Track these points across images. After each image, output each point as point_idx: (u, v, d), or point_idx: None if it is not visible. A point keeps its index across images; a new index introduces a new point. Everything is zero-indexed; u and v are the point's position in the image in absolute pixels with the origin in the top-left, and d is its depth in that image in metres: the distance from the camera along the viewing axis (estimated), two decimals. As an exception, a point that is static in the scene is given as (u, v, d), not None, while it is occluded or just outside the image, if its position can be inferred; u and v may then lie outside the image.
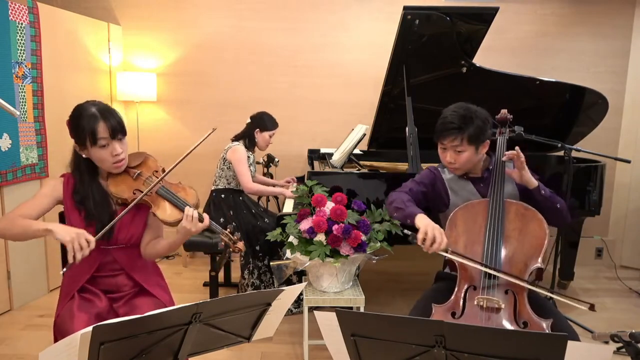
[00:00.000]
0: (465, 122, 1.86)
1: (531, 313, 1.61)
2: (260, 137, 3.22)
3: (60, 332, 1.60)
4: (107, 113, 1.65)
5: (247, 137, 3.21)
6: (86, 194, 1.69)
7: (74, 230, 1.51)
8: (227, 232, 1.72)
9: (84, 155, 1.69)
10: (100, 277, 1.75)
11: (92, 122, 1.62)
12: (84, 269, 1.72)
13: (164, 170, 1.80)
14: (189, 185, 1.84)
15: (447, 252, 1.68)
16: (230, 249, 1.72)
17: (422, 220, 1.73)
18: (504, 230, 1.76)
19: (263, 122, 3.21)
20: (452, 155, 1.91)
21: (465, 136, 1.85)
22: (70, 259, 1.49)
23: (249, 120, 3.25)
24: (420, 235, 1.67)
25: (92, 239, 1.53)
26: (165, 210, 1.71)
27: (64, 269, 1.54)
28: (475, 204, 1.86)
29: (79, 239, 1.49)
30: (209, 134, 1.73)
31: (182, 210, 1.69)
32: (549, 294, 1.64)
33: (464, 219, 1.83)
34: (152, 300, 1.75)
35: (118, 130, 1.66)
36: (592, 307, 1.53)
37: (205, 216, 1.69)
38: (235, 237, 1.72)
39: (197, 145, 1.71)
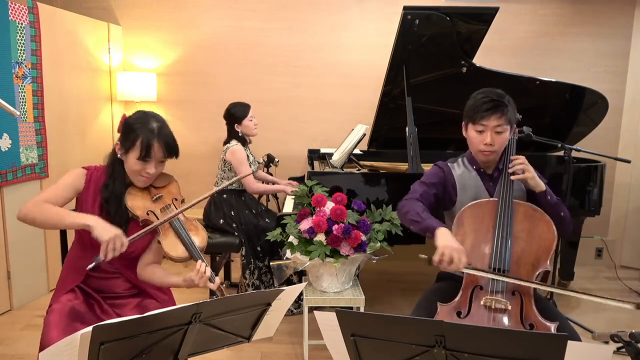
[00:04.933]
0: (506, 101, 1.82)
1: (538, 315, 1.60)
2: (243, 127, 3.15)
3: (44, 325, 1.58)
4: (163, 132, 1.67)
5: (234, 137, 3.17)
6: (114, 194, 1.69)
7: (113, 231, 1.54)
8: (222, 287, 1.68)
9: (119, 156, 1.70)
10: (94, 277, 1.74)
11: (149, 136, 1.63)
12: (79, 267, 1.71)
13: (183, 201, 1.79)
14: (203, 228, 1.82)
15: (467, 268, 1.62)
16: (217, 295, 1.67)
17: (442, 239, 1.66)
18: (513, 231, 1.75)
19: (234, 115, 3.15)
20: (492, 136, 1.81)
21: (507, 115, 1.80)
22: (102, 257, 1.53)
23: (225, 122, 3.22)
24: (436, 257, 1.62)
25: (126, 242, 1.56)
26: (170, 244, 1.68)
27: (92, 265, 1.56)
28: (484, 204, 1.84)
29: (115, 241, 1.52)
30: (232, 181, 1.85)
31: (189, 252, 1.68)
32: (579, 295, 1.58)
33: (472, 218, 1.81)
34: (151, 301, 1.75)
35: (166, 152, 1.68)
36: (639, 306, 1.45)
37: (217, 279, 1.66)
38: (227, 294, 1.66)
39: (215, 192, 1.77)
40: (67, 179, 1.69)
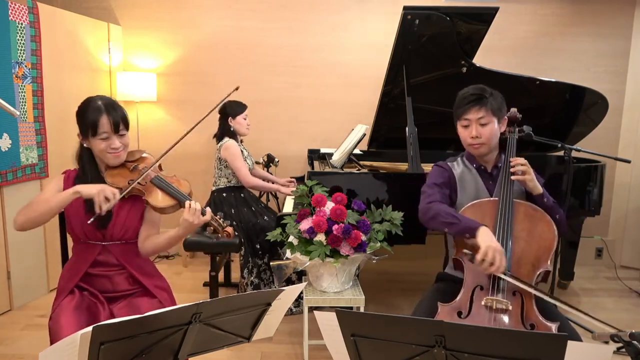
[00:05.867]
0: (486, 94, 1.88)
1: (538, 315, 1.60)
2: (235, 123, 3.21)
3: (51, 330, 1.60)
4: (110, 107, 1.72)
5: (226, 132, 3.21)
6: (87, 181, 1.74)
7: (98, 185, 1.63)
8: (216, 217, 1.76)
9: (85, 145, 1.76)
10: (95, 275, 1.75)
11: (96, 114, 1.70)
12: (79, 265, 1.74)
13: (160, 167, 1.86)
14: (184, 179, 1.89)
15: (505, 274, 1.61)
16: (219, 235, 1.75)
17: (485, 239, 1.64)
18: (513, 231, 1.75)
19: (230, 109, 3.21)
20: (477, 129, 1.87)
21: (488, 107, 1.86)
22: (97, 210, 1.60)
23: (219, 116, 3.25)
24: (479, 257, 1.61)
25: (117, 191, 1.64)
26: (157, 197, 1.76)
27: (92, 219, 1.62)
28: (484, 203, 1.84)
29: (105, 192, 1.61)
30: (205, 117, 1.83)
31: (175, 198, 1.76)
32: (553, 301, 1.62)
33: (472, 218, 1.81)
34: (151, 301, 1.75)
35: (120, 124, 1.73)
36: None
37: (208, 210, 1.73)
38: (225, 224, 1.77)
39: (189, 131, 1.82)
40: (49, 184, 1.78)
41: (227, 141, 3.16)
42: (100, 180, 1.77)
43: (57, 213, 1.68)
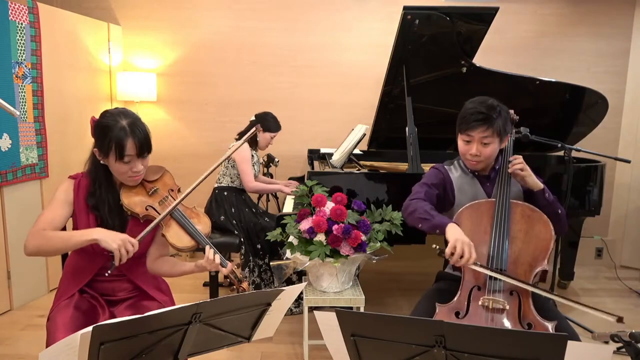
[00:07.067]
0: (494, 113, 1.82)
1: (536, 315, 1.61)
2: (262, 136, 3.24)
3: (48, 331, 1.59)
4: (135, 128, 1.60)
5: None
6: (101, 199, 1.66)
7: (119, 237, 1.53)
8: (233, 269, 1.68)
9: (101, 162, 1.65)
10: (97, 281, 1.74)
11: (121, 136, 1.57)
12: (86, 270, 1.72)
13: (179, 190, 1.77)
14: (204, 214, 1.83)
15: (475, 265, 1.64)
16: (234, 287, 1.70)
17: (453, 233, 1.68)
18: (510, 232, 1.76)
19: (267, 122, 3.23)
20: (478, 147, 1.84)
21: (494, 128, 1.81)
22: (117, 263, 1.54)
23: (253, 118, 3.26)
24: (448, 250, 1.64)
25: (135, 242, 1.56)
26: (175, 235, 1.68)
27: (109, 272, 1.58)
28: (482, 204, 1.85)
29: (126, 245, 1.53)
30: (226, 157, 1.74)
31: (194, 239, 1.69)
32: (556, 298, 1.63)
33: (469, 219, 1.81)
34: (152, 303, 1.75)
35: (144, 148, 1.62)
36: (620, 320, 1.53)
37: (230, 264, 1.67)
38: (242, 276, 1.69)
39: (214, 168, 1.72)
40: (59, 195, 1.67)
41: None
42: (115, 200, 1.67)
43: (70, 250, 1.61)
